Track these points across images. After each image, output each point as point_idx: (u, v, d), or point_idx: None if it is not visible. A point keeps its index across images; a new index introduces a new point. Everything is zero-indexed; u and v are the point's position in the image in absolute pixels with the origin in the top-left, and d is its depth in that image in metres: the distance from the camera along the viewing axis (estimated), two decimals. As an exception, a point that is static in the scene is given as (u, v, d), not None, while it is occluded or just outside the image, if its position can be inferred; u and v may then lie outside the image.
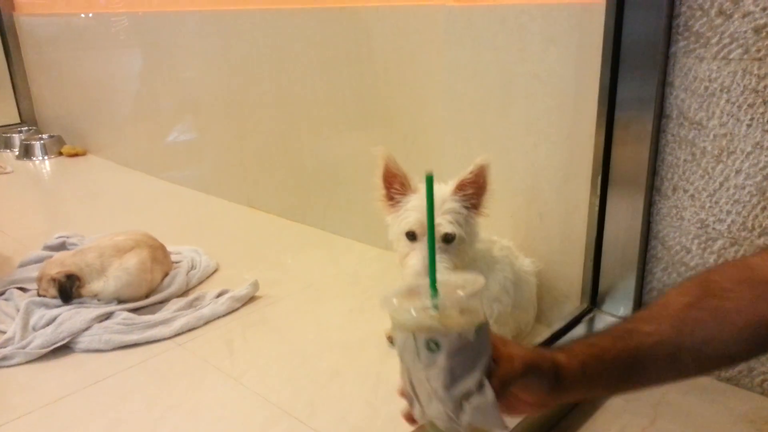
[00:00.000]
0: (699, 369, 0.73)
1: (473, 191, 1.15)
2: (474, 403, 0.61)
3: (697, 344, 0.70)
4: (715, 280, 0.73)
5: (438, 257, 1.06)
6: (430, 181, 0.66)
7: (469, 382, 0.61)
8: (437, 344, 0.60)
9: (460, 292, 0.62)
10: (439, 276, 0.63)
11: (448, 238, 1.12)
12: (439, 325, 0.59)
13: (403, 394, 0.66)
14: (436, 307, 0.61)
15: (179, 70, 2.69)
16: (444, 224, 1.11)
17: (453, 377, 0.60)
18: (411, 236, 1.13)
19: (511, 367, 0.64)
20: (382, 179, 1.15)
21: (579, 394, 0.72)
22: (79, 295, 1.66)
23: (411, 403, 0.65)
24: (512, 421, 0.98)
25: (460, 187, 1.14)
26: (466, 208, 1.15)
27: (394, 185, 1.14)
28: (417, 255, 1.11)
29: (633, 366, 0.71)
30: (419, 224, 1.11)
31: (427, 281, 0.63)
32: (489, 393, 0.61)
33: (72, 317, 1.56)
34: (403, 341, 0.61)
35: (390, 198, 1.16)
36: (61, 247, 2.06)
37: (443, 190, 1.15)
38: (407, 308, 0.61)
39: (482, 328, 0.61)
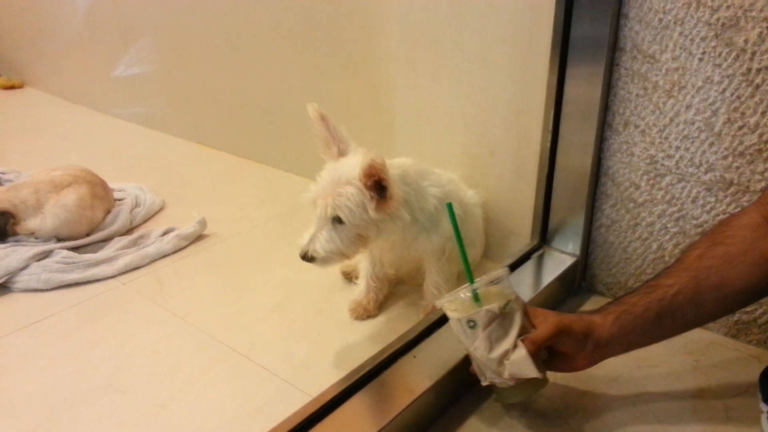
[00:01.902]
0: (721, 309, 0.85)
1: (379, 181, 1.03)
2: (511, 359, 0.83)
3: (714, 287, 0.82)
4: (719, 231, 0.86)
5: (326, 234, 1.07)
6: (450, 209, 0.92)
7: (505, 344, 0.84)
8: (474, 322, 0.85)
9: (485, 279, 0.87)
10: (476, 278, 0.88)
11: (337, 219, 1.05)
12: (472, 309, 0.85)
13: (472, 371, 0.92)
14: (475, 297, 0.86)
15: (119, -4, 2.53)
16: (333, 206, 1.03)
17: (491, 343, 0.84)
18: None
19: (542, 330, 0.84)
20: (324, 126, 1.08)
21: (618, 347, 0.86)
22: (15, 233, 1.59)
23: (479, 375, 0.90)
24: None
25: (366, 176, 1.02)
26: (371, 196, 1.03)
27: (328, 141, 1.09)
28: (310, 228, 1.08)
29: (661, 315, 0.83)
30: (313, 201, 1.06)
31: (467, 285, 0.88)
32: (522, 349, 0.83)
33: (8, 255, 1.50)
34: (456, 328, 0.88)
35: (327, 147, 1.11)
36: (-4, 183, 1.97)
37: (351, 167, 1.04)
38: (453, 304, 0.88)
39: (509, 305, 0.85)
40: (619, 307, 0.86)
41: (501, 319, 0.84)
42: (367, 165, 1.00)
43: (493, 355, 0.84)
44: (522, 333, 0.85)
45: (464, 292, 0.87)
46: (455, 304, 0.88)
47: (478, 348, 0.85)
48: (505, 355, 0.84)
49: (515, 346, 0.83)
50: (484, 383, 0.90)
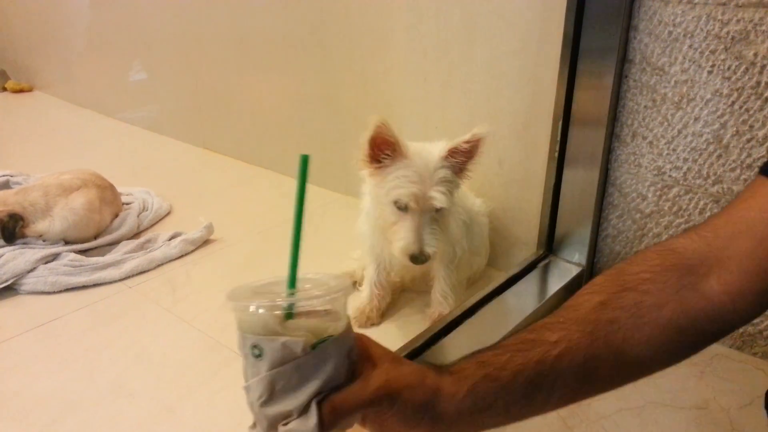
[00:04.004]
0: (614, 380, 0.61)
1: (463, 158, 1.10)
2: (289, 427, 0.51)
3: (613, 351, 0.58)
4: (633, 272, 0.61)
5: (429, 228, 1.07)
6: (304, 162, 0.60)
7: (291, 401, 0.51)
8: (261, 351, 0.51)
9: (316, 292, 0.52)
10: (302, 274, 0.55)
11: (438, 210, 1.09)
12: (270, 327, 0.50)
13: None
14: (287, 314, 0.51)
15: (133, 3, 2.55)
16: (437, 197, 1.06)
17: (271, 392, 0.51)
18: (401, 206, 1.09)
19: (357, 394, 0.52)
20: (370, 142, 1.07)
21: (467, 427, 0.58)
22: (23, 236, 1.60)
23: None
24: None
25: (452, 154, 1.09)
26: (455, 173, 1.10)
27: (385, 150, 1.07)
28: (409, 227, 1.07)
29: (535, 384, 0.57)
30: (413, 197, 1.06)
31: (284, 280, 0.55)
32: (311, 422, 0.50)
33: (15, 258, 1.50)
34: (238, 341, 0.53)
35: (376, 160, 1.10)
36: (5, 186, 1.98)
37: (432, 154, 1.09)
38: (248, 304, 0.51)
39: (328, 342, 0.51)
40: (480, 370, 0.57)
41: (302, 361, 0.50)
42: (476, 137, 1.06)
43: (268, 411, 0.52)
44: (328, 384, 0.51)
45: (271, 303, 0.52)
46: (247, 312, 0.51)
47: (251, 389, 0.52)
48: (285, 417, 0.51)
49: (306, 409, 0.51)
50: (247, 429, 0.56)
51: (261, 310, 0.50)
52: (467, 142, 1.08)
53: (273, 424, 0.52)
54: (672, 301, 0.58)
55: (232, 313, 0.52)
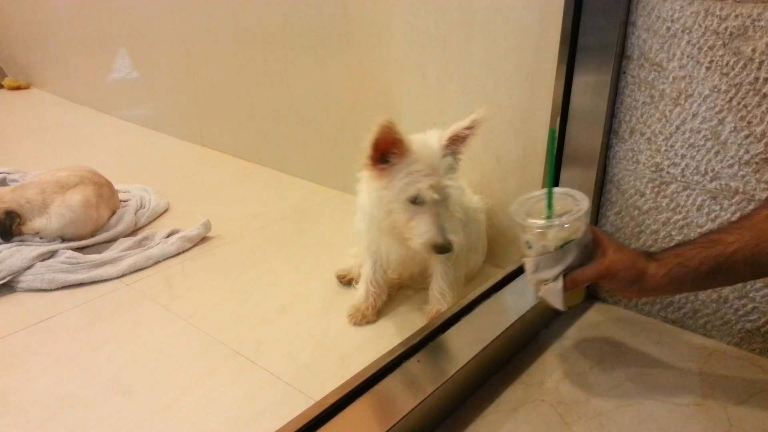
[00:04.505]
0: None
1: (460, 143, 1.11)
2: (546, 287, 0.93)
3: None
4: None
5: (445, 217, 1.09)
6: (553, 134, 1.04)
7: (547, 274, 0.92)
8: (530, 246, 0.93)
9: (561, 218, 0.90)
10: (557, 195, 0.94)
11: (445, 200, 1.09)
12: (535, 236, 0.92)
13: None
14: (545, 228, 0.91)
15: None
16: (452, 185, 1.08)
17: (536, 268, 0.93)
18: (416, 201, 1.08)
19: (584, 272, 0.90)
20: (375, 144, 1.06)
21: (664, 293, 0.94)
22: (20, 233, 1.59)
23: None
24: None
25: (452, 141, 1.09)
26: (454, 159, 1.11)
27: (392, 150, 1.06)
28: (428, 220, 1.07)
29: (715, 270, 0.84)
30: (432, 189, 1.05)
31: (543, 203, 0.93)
32: (559, 285, 0.91)
33: (12, 255, 1.50)
34: (520, 234, 0.95)
35: (381, 161, 1.09)
36: (1, 183, 1.98)
37: (434, 144, 1.09)
38: (527, 224, 0.92)
39: (571, 244, 0.90)
40: (676, 259, 0.87)
41: (553, 254, 0.91)
42: (477, 121, 1.08)
43: (535, 276, 0.94)
44: (570, 268, 0.91)
45: (537, 225, 0.91)
46: (524, 226, 0.93)
47: (526, 264, 0.95)
48: (544, 281, 0.93)
49: (555, 279, 0.91)
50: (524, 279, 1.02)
51: (537, 229, 0.91)
52: (468, 128, 1.09)
53: (538, 284, 0.95)
54: None
55: (515, 220, 0.93)
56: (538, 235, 0.92)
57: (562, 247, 0.90)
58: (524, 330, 1.18)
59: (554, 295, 0.92)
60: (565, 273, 0.91)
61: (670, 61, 1.08)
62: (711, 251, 0.84)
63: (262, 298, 1.40)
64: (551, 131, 0.97)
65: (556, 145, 0.97)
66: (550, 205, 0.92)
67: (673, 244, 0.92)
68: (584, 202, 0.92)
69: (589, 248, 0.93)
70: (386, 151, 1.06)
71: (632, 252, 0.91)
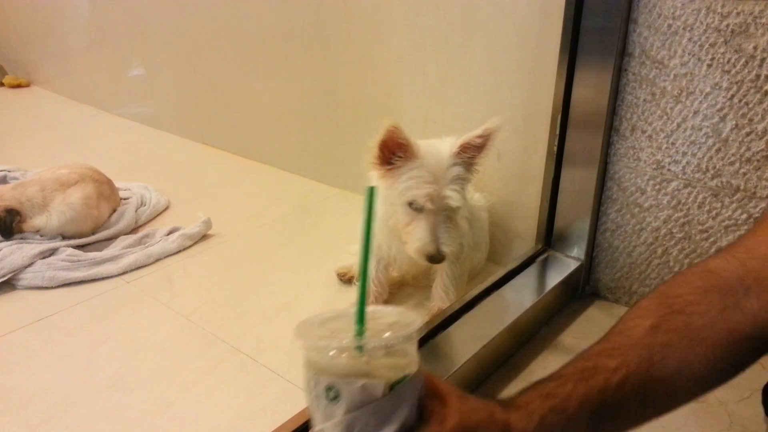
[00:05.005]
0: (671, 403, 0.64)
1: (473, 153, 1.09)
2: None
3: (669, 374, 0.61)
4: (678, 294, 0.63)
5: (443, 227, 1.06)
6: (371, 193, 0.54)
7: None
8: (337, 394, 0.50)
9: (387, 334, 0.51)
10: (370, 308, 0.53)
11: (450, 209, 1.08)
12: (345, 370, 0.49)
13: None
14: (359, 348, 0.50)
15: (127, -4, 2.54)
16: (453, 197, 1.06)
17: None
18: (415, 206, 1.08)
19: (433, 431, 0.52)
20: (381, 146, 1.06)
21: None
22: (20, 231, 1.59)
23: None
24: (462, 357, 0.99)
25: (463, 149, 1.08)
26: (465, 169, 1.09)
27: (397, 152, 1.06)
28: (424, 227, 1.07)
29: (600, 413, 0.59)
30: (428, 198, 1.06)
31: (351, 315, 0.52)
32: None
33: (13, 253, 1.50)
34: (306, 381, 0.51)
35: (387, 162, 1.09)
36: (2, 181, 1.98)
37: (443, 152, 1.08)
38: (324, 344, 0.50)
39: (404, 383, 0.51)
40: (546, 403, 0.59)
41: (380, 404, 0.50)
42: (490, 130, 1.05)
43: None
44: (404, 427, 0.51)
45: (342, 339, 0.51)
46: (320, 350, 0.51)
47: None
48: None
49: None
50: None
51: (344, 354, 0.49)
52: (480, 136, 1.07)
53: None
54: (719, 321, 0.60)
55: (301, 351, 0.51)
56: (350, 367, 0.49)
57: (394, 388, 0.50)
58: (525, 327, 1.18)
59: None
60: None
61: (672, 58, 1.08)
62: (590, 384, 0.59)
63: (263, 295, 1.40)
64: (368, 189, 0.53)
65: (374, 208, 0.56)
66: (362, 318, 0.52)
67: (533, 381, 0.61)
68: (414, 317, 0.54)
69: (422, 396, 0.53)
70: (393, 153, 1.06)
71: (481, 401, 0.58)
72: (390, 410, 0.50)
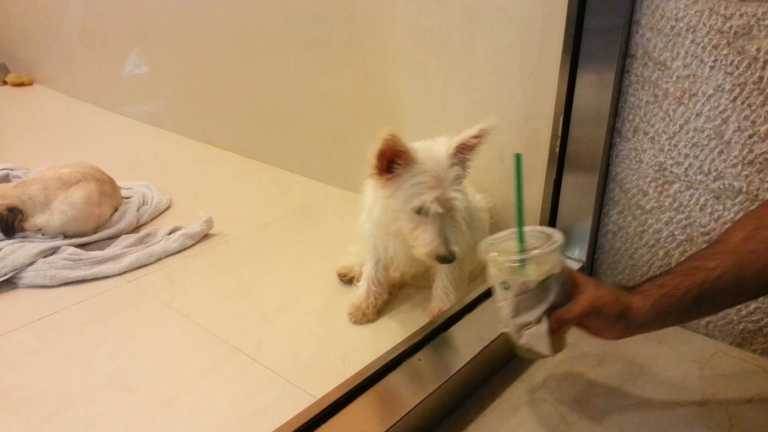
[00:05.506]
0: (761, 291, 0.83)
1: (468, 151, 1.09)
2: (530, 331, 0.84)
3: (756, 272, 0.79)
4: (766, 213, 0.83)
5: (450, 227, 1.08)
6: (519, 160, 0.86)
7: (529, 315, 0.84)
8: (508, 286, 0.84)
9: (537, 251, 0.83)
10: (527, 228, 0.86)
11: (454, 210, 1.08)
12: (512, 274, 0.83)
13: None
14: (522, 261, 0.83)
15: (130, -5, 2.55)
16: (458, 197, 1.06)
17: (517, 310, 0.84)
18: (422, 211, 1.07)
19: (571, 309, 0.83)
20: (379, 156, 1.05)
21: (650, 328, 0.85)
22: (22, 229, 1.59)
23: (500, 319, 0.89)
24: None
25: (459, 149, 1.08)
26: (462, 169, 1.09)
27: (397, 160, 1.06)
28: (432, 230, 1.07)
29: (701, 298, 0.81)
30: (436, 202, 1.05)
31: (514, 236, 0.86)
32: (544, 325, 0.83)
33: (14, 251, 1.50)
34: (493, 277, 0.87)
35: (386, 171, 1.08)
36: (4, 179, 1.98)
37: (440, 153, 1.07)
38: (501, 260, 0.84)
39: (548, 280, 0.83)
40: (659, 290, 0.83)
41: (535, 291, 0.83)
42: (485, 130, 1.06)
43: (516, 321, 0.85)
44: (553, 307, 0.83)
45: (511, 259, 0.84)
46: (498, 263, 0.85)
47: (504, 309, 0.85)
48: (527, 325, 0.84)
49: (539, 320, 0.83)
50: (500, 329, 0.90)
51: (515, 264, 0.83)
52: (475, 136, 1.07)
53: (519, 329, 0.85)
54: None
55: (487, 260, 0.85)
56: (515, 271, 0.83)
57: (543, 283, 0.82)
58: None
59: (540, 340, 0.84)
60: (548, 313, 0.83)
61: (674, 60, 1.07)
62: (694, 279, 0.81)
63: (264, 295, 1.40)
64: (516, 157, 0.84)
65: (522, 173, 0.85)
66: (521, 239, 0.85)
67: (647, 276, 0.87)
68: (558, 236, 0.85)
69: (567, 286, 0.86)
70: (392, 161, 1.06)
71: (611, 287, 0.86)
72: (541, 296, 0.83)
